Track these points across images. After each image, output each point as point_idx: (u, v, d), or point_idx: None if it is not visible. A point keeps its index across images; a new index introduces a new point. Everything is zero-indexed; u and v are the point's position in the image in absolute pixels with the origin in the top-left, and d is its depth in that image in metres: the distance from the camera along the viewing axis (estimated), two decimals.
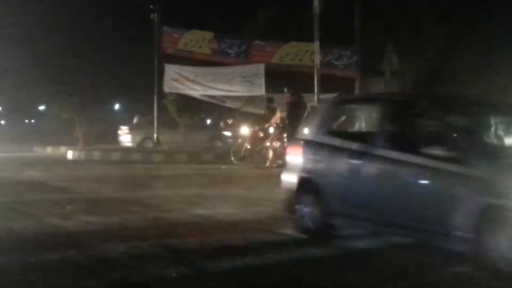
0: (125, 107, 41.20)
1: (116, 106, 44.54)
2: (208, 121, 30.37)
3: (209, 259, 5.16)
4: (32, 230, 6.49)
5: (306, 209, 6.20)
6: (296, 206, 6.33)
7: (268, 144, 15.98)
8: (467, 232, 4.66)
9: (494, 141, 11.44)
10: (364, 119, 6.78)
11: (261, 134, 16.42)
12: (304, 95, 15.22)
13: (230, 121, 21.80)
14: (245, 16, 27.07)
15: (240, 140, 16.96)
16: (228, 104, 23.69)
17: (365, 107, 6.73)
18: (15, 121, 46.57)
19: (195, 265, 4.96)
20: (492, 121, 5.30)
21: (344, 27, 21.85)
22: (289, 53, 21.96)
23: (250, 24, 26.23)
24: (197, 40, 23.19)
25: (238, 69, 22.31)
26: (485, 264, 4.63)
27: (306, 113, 14.66)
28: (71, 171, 15.45)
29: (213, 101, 23.77)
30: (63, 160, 20.16)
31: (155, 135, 23.59)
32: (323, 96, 17.98)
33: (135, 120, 25.74)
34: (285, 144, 14.83)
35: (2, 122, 50.04)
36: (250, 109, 22.53)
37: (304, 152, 6.47)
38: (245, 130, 17.07)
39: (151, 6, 23.03)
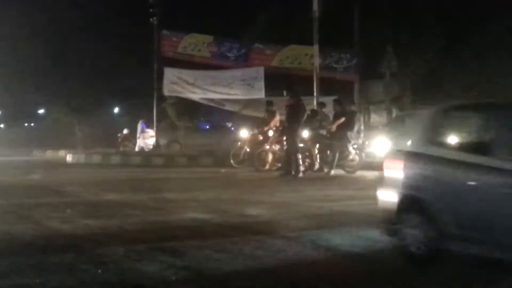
0: (125, 110, 41.16)
1: (116, 110, 44.52)
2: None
3: (208, 262, 5.16)
4: (31, 233, 6.49)
5: (411, 232, 5.31)
6: (397, 228, 5.48)
7: (267, 147, 15.99)
8: None
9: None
10: (479, 128, 5.61)
11: (261, 137, 16.42)
12: (304, 98, 15.23)
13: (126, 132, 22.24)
14: (245, 19, 27.07)
15: (239, 143, 16.96)
16: (228, 107, 23.72)
17: (482, 115, 5.55)
18: (15, 125, 46.55)
19: (194, 268, 4.95)
20: None
21: (343, 30, 21.88)
22: (289, 56, 22.01)
23: (250, 28, 26.25)
24: (196, 43, 23.24)
25: (238, 72, 22.35)
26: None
27: (305, 116, 14.68)
28: (71, 174, 15.45)
29: (213, 104, 23.80)
30: (62, 164, 20.16)
31: (154, 138, 23.66)
32: (322, 99, 18.03)
33: (138, 126, 25.59)
34: (284, 147, 14.86)
35: (2, 125, 50.04)
36: (249, 112, 22.56)
37: (407, 166, 5.60)
38: (244, 133, 17.06)
39: (151, 10, 23.05)
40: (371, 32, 22.06)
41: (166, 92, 23.35)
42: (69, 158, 21.29)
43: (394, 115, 21.64)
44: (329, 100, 17.26)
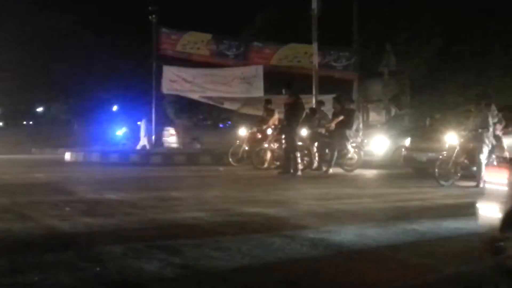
0: (124, 108, 41.17)
1: (114, 108, 44.53)
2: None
3: (206, 260, 5.17)
4: (30, 231, 6.49)
5: None
6: (503, 246, 4.74)
7: (266, 145, 16.00)
8: None
9: (493, 141, 11.45)
10: None
11: (259, 136, 16.43)
12: (302, 96, 15.23)
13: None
14: (243, 18, 27.09)
15: (238, 141, 16.96)
16: (227, 105, 23.74)
17: None
18: (13, 123, 46.54)
19: (193, 266, 4.96)
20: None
21: (342, 28, 21.90)
22: (288, 54, 22.00)
23: (248, 26, 26.25)
24: (195, 41, 23.22)
25: (237, 70, 22.35)
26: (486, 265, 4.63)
27: (304, 115, 14.69)
28: (69, 172, 15.45)
29: (212, 102, 23.82)
30: (61, 162, 20.14)
31: (150, 137, 23.65)
32: (321, 97, 18.04)
33: (142, 124, 25.50)
34: (283, 146, 14.87)
35: (0, 124, 50.02)
36: (248, 110, 22.57)
37: None
38: (243, 131, 17.06)
39: (150, 8, 23.04)
40: (370, 31, 22.11)
41: (165, 90, 23.34)
42: (67, 156, 21.27)
43: (392, 113, 21.68)
44: (328, 98, 17.27)
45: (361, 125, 15.62)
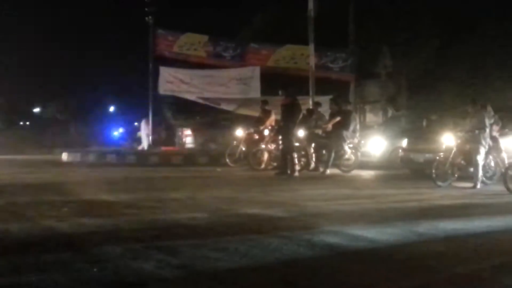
0: (120, 109, 41.16)
1: (111, 109, 44.50)
2: None
3: (204, 260, 5.17)
4: (27, 232, 6.48)
5: None
6: None
7: (263, 146, 16.02)
8: None
9: (490, 142, 11.50)
10: None
11: (256, 137, 16.45)
12: (299, 97, 15.26)
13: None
14: (240, 19, 27.11)
15: (235, 142, 16.98)
16: (223, 106, 23.74)
17: None
18: (10, 124, 46.46)
19: (190, 267, 4.96)
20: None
21: (339, 30, 21.93)
22: (284, 56, 22.04)
23: (245, 28, 26.27)
24: (192, 43, 23.24)
25: (234, 71, 22.38)
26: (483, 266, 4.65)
27: (301, 116, 14.71)
28: (66, 173, 15.42)
29: (208, 103, 23.80)
30: (58, 162, 20.12)
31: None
32: (318, 98, 18.07)
33: (142, 125, 25.37)
34: (280, 147, 14.88)
35: None
36: (245, 111, 22.57)
37: None
38: (240, 132, 17.08)
39: (146, 9, 23.03)
40: (367, 32, 22.14)
41: (161, 91, 23.34)
42: (64, 156, 21.26)
43: (389, 114, 21.73)
44: (325, 99, 17.32)
45: (358, 126, 15.65)
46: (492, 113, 12.46)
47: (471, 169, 11.67)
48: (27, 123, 49.49)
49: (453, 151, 11.76)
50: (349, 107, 16.33)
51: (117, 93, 38.52)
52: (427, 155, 13.02)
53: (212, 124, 24.23)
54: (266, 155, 15.99)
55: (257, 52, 22.48)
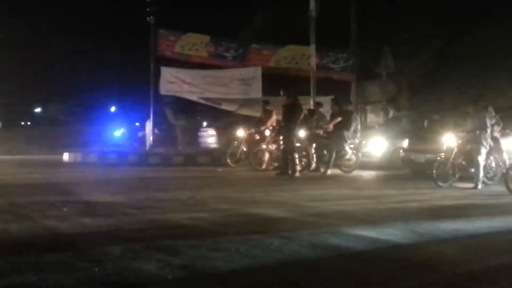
0: (121, 109, 41.18)
1: (112, 109, 44.52)
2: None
3: (204, 261, 5.17)
4: (28, 232, 6.48)
5: None
6: None
7: (264, 146, 16.02)
8: None
9: (491, 143, 11.51)
10: None
11: (257, 137, 16.45)
12: (300, 98, 15.26)
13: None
14: (241, 19, 27.11)
15: (236, 142, 16.98)
16: (225, 106, 23.75)
17: None
18: (11, 124, 46.50)
19: (191, 267, 4.96)
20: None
21: (340, 30, 21.93)
22: (286, 56, 22.04)
23: (246, 28, 26.28)
24: (194, 43, 23.23)
25: (236, 72, 22.38)
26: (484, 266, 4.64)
27: (302, 116, 14.71)
28: (67, 173, 15.44)
29: (210, 103, 23.80)
30: (59, 163, 20.13)
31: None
32: (319, 99, 18.07)
33: (147, 125, 25.30)
34: (281, 147, 14.88)
35: None
36: (246, 111, 22.57)
37: None
38: (241, 132, 17.08)
39: (148, 9, 23.02)
40: (368, 32, 22.14)
41: (162, 91, 23.33)
42: (65, 156, 21.27)
43: (390, 115, 21.71)
44: (326, 100, 17.31)
45: (359, 127, 15.65)
46: (493, 113, 12.45)
47: (472, 170, 11.66)
48: (28, 123, 49.55)
49: (454, 152, 11.75)
50: (350, 108, 16.33)
51: (118, 93, 38.54)
52: (428, 155, 13.01)
53: (236, 124, 24.24)
54: (267, 156, 15.99)
55: (258, 52, 22.49)
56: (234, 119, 23.88)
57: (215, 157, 18.66)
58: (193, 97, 23.63)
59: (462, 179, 11.92)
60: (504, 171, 11.33)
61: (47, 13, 33.20)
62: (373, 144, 16.83)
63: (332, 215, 7.87)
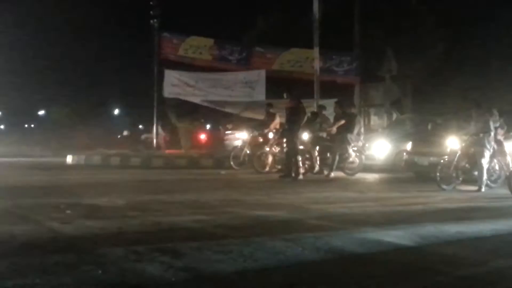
0: (125, 112, 41.25)
1: (116, 111, 44.59)
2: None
3: (207, 263, 5.17)
4: (31, 234, 6.49)
5: None
6: None
7: (267, 149, 16.02)
8: None
9: (495, 146, 11.49)
10: None
11: (261, 139, 16.46)
12: (304, 100, 15.26)
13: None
14: (245, 23, 27.12)
15: (239, 145, 17.00)
16: (228, 109, 23.78)
17: None
18: (15, 126, 46.64)
19: (194, 269, 4.96)
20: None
21: (344, 33, 21.93)
22: (290, 59, 22.10)
23: (250, 31, 26.29)
24: (197, 46, 23.30)
25: (240, 75, 22.45)
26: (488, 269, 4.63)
27: (305, 119, 14.71)
28: (71, 175, 15.46)
29: (213, 106, 23.83)
30: (62, 165, 20.15)
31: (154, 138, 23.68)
32: (322, 101, 18.08)
33: (158, 128, 25.29)
34: (284, 149, 14.88)
35: (2, 126, 50.08)
36: (249, 114, 22.60)
37: None
38: (244, 135, 17.10)
39: (151, 12, 23.08)
40: (372, 35, 22.12)
41: (166, 94, 23.39)
42: (69, 159, 21.29)
43: (394, 117, 21.70)
44: (329, 102, 17.30)
45: (362, 129, 15.65)
46: (497, 116, 12.43)
47: (476, 173, 11.64)
48: (32, 125, 49.66)
49: (457, 155, 11.74)
50: (354, 110, 16.32)
51: (122, 96, 38.60)
52: (431, 158, 13.00)
53: (261, 125, 24.25)
54: (270, 158, 15.98)
55: (262, 55, 22.53)
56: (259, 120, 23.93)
57: (218, 159, 18.67)
58: (197, 100, 23.67)
59: (466, 182, 11.91)
60: (507, 174, 11.31)
61: (51, 17, 33.29)
62: (377, 146, 16.83)
63: (335, 218, 7.87)
